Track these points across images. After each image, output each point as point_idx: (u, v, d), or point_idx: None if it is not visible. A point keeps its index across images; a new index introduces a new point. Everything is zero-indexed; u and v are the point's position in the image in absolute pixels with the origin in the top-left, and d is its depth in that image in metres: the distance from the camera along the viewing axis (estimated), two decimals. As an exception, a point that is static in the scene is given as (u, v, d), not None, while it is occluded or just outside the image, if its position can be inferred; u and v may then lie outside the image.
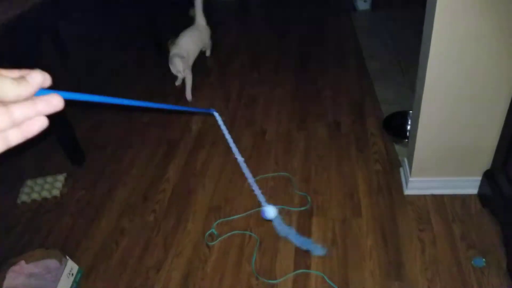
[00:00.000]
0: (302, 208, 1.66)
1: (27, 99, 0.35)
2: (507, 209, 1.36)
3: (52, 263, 1.50)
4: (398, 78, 2.37)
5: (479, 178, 1.54)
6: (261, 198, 1.26)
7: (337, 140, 2.00)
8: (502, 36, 1.24)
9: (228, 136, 1.24)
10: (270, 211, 1.30)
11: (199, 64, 2.87)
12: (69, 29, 3.75)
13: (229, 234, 1.61)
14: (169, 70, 2.88)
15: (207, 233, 1.62)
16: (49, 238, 1.71)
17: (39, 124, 0.37)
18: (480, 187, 1.55)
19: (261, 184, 1.81)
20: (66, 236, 1.71)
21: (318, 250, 1.48)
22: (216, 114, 1.25)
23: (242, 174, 1.70)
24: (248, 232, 1.60)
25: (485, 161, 1.50)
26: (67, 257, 1.49)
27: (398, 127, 1.94)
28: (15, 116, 0.34)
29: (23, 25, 1.71)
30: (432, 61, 1.32)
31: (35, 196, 1.91)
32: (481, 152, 1.50)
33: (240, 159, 1.21)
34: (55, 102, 0.37)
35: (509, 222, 1.34)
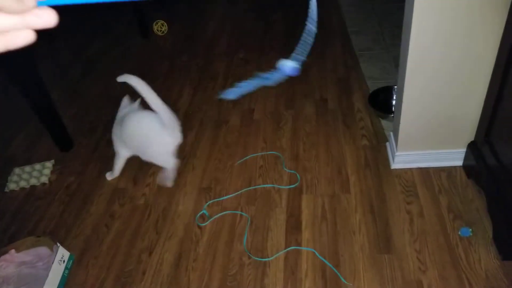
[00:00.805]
0: (292, 186, 1.63)
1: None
2: (491, 179, 1.34)
3: (43, 250, 1.45)
4: (383, 54, 2.32)
5: (464, 149, 1.52)
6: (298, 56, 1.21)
7: (324, 117, 1.96)
8: (483, 4, 1.20)
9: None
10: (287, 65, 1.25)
11: (185, 48, 2.79)
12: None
13: (220, 214, 1.57)
14: (155, 51, 2.80)
15: (198, 215, 1.59)
16: (39, 226, 1.66)
17: (24, 37, 0.33)
18: (465, 158, 1.53)
19: (250, 163, 1.78)
20: (56, 223, 1.66)
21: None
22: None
23: (231, 154, 1.66)
24: (239, 212, 1.57)
25: (469, 132, 1.48)
26: (58, 244, 1.44)
27: (383, 102, 1.90)
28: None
29: None
30: (414, 34, 1.28)
31: (23, 184, 1.85)
32: (465, 124, 1.47)
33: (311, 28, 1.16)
34: (46, 17, 0.33)
35: (494, 192, 1.33)
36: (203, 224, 1.54)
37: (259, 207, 1.57)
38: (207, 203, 1.62)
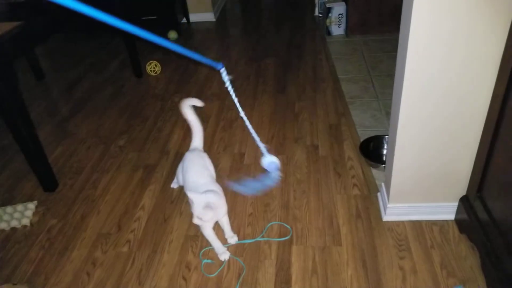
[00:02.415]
0: (283, 239, 1.56)
1: None
2: (484, 235, 1.30)
3: (17, 300, 1.35)
4: (373, 102, 2.33)
5: (456, 203, 1.49)
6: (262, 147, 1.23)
7: (316, 164, 1.92)
8: (478, 61, 1.20)
9: (232, 93, 1.21)
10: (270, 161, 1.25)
11: (177, 88, 2.78)
12: (45, 49, 3.61)
13: (204, 262, 1.49)
14: (148, 91, 2.78)
15: (202, 264, 1.50)
16: (17, 272, 1.55)
17: None
18: (457, 213, 1.49)
19: (239, 210, 1.71)
20: (35, 269, 1.55)
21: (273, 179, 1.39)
22: (222, 70, 1.19)
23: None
24: (226, 263, 1.49)
25: (461, 187, 1.45)
26: (34, 294, 1.35)
27: (374, 151, 1.88)
28: None
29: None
30: (406, 88, 1.27)
31: (3, 226, 1.76)
32: (456, 178, 1.44)
33: (242, 114, 1.22)
34: None
35: (487, 249, 1.28)
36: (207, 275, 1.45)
37: (247, 259, 1.49)
38: (203, 250, 1.54)
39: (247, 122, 1.22)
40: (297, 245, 1.52)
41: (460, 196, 1.46)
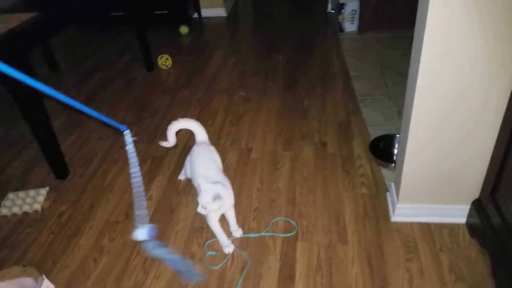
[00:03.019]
0: (288, 235, 1.52)
1: None
2: (495, 240, 1.24)
3: (28, 281, 1.35)
4: (384, 100, 2.26)
5: (468, 207, 1.43)
6: (141, 219, 1.17)
7: (323, 161, 1.88)
8: (494, 61, 1.14)
9: (133, 159, 1.16)
10: (141, 233, 1.20)
11: (187, 82, 2.75)
12: (59, 41, 3.62)
13: (209, 254, 1.46)
14: (158, 84, 2.76)
15: (206, 255, 1.47)
16: (27, 255, 1.55)
17: None
18: (469, 216, 1.43)
19: (245, 204, 1.68)
20: (44, 253, 1.55)
21: (194, 277, 1.35)
22: (126, 132, 1.15)
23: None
24: (230, 256, 1.46)
25: (474, 190, 1.39)
26: (43, 276, 1.35)
27: (384, 150, 1.82)
28: None
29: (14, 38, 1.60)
30: (420, 86, 1.21)
31: (16, 210, 1.76)
32: (469, 180, 1.38)
33: (138, 180, 1.14)
34: None
35: (499, 254, 1.23)
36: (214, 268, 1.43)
37: (252, 253, 1.46)
38: (207, 243, 1.51)
39: (139, 187, 1.14)
40: (302, 242, 1.48)
41: (473, 199, 1.40)
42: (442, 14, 1.08)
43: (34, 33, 1.76)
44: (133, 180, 1.14)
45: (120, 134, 2.18)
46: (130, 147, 1.11)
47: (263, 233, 1.54)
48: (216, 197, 1.38)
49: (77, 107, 0.88)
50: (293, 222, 1.57)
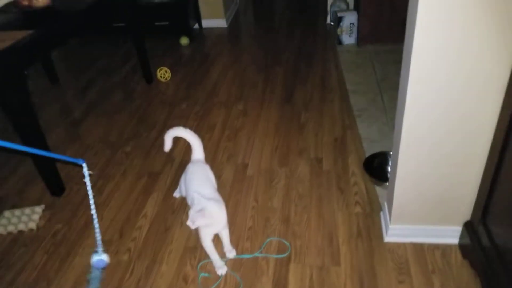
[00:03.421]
0: (281, 256, 1.52)
1: None
2: (486, 262, 1.23)
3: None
4: (381, 116, 2.26)
5: (460, 228, 1.42)
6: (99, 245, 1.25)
7: (319, 178, 1.87)
8: (483, 82, 1.14)
9: (90, 192, 1.25)
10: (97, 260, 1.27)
11: (185, 95, 2.76)
12: (59, 52, 3.64)
13: (201, 275, 1.46)
14: (156, 97, 2.77)
15: (200, 276, 1.47)
16: (20, 276, 1.55)
17: None
18: (461, 237, 1.43)
19: (239, 223, 1.68)
20: (38, 274, 1.55)
21: None
22: (84, 166, 1.23)
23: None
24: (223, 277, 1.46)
25: (466, 211, 1.38)
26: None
27: (379, 168, 1.81)
28: None
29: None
30: (409, 107, 1.21)
31: (11, 228, 1.76)
32: (461, 202, 1.38)
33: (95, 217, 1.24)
34: None
35: (489, 276, 1.22)
36: (185, 289, 1.43)
37: (245, 274, 1.46)
38: (200, 263, 1.51)
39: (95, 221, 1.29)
40: (295, 263, 1.48)
41: (465, 220, 1.40)
42: (429, 29, 1.08)
43: (30, 51, 1.77)
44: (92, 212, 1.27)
45: (118, 149, 2.21)
46: (87, 181, 1.24)
47: (256, 254, 1.53)
48: (201, 212, 1.38)
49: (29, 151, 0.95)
50: (287, 243, 1.56)
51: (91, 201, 1.24)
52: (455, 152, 1.27)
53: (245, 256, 1.53)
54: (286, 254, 1.52)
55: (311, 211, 1.69)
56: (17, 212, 1.84)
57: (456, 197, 1.37)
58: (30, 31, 1.78)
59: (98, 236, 1.28)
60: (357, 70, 2.80)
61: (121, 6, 2.60)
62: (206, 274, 1.47)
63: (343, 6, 3.43)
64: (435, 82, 1.16)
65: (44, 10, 2.06)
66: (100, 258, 1.28)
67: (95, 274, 1.30)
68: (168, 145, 1.73)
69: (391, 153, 1.79)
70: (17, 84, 1.69)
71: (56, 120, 2.60)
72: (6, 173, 2.14)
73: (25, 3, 2.06)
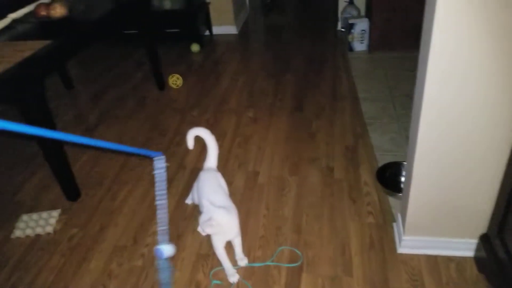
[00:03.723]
0: (293, 265, 1.52)
1: None
2: (502, 276, 1.22)
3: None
4: (392, 124, 2.25)
5: (475, 241, 1.41)
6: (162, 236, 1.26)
7: (330, 188, 1.87)
8: (502, 89, 1.12)
9: (163, 186, 1.26)
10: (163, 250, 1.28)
11: (196, 102, 2.78)
12: (74, 59, 3.70)
13: (213, 283, 1.47)
14: (168, 104, 2.80)
15: (212, 285, 1.48)
16: (38, 279, 1.58)
17: None
18: (476, 250, 1.41)
19: (251, 231, 1.68)
20: (56, 277, 1.58)
21: None
22: (162, 160, 1.24)
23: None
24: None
25: (482, 224, 1.37)
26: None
27: (392, 178, 1.81)
28: None
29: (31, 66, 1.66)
30: (425, 116, 1.20)
31: (29, 232, 1.80)
32: (477, 214, 1.36)
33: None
34: None
35: (506, 292, 1.21)
36: (198, 298, 1.44)
37: (256, 283, 1.46)
38: (212, 271, 1.52)
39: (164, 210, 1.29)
40: (307, 273, 1.48)
41: (480, 233, 1.38)
42: (446, 38, 1.07)
43: (48, 60, 1.81)
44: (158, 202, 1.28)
45: (131, 154, 2.24)
46: (161, 175, 1.25)
47: (268, 263, 1.54)
48: (209, 220, 1.40)
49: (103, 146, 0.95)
50: (299, 252, 1.57)
51: (163, 192, 1.25)
52: (472, 164, 1.27)
53: (257, 264, 1.54)
54: (298, 264, 1.52)
55: (323, 221, 1.70)
56: (35, 216, 1.88)
57: (472, 210, 1.36)
58: (48, 41, 1.81)
59: (163, 226, 1.29)
60: (369, 78, 2.79)
61: (134, 14, 2.65)
62: (218, 282, 1.48)
63: (355, 12, 3.43)
64: (452, 90, 1.15)
65: (62, 20, 2.10)
66: (162, 247, 1.27)
67: (163, 264, 1.31)
68: (190, 144, 1.74)
69: (405, 163, 1.79)
70: (36, 93, 1.73)
71: (71, 125, 2.64)
72: (24, 178, 2.18)
73: (43, 13, 2.10)
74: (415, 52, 1.26)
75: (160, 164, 1.22)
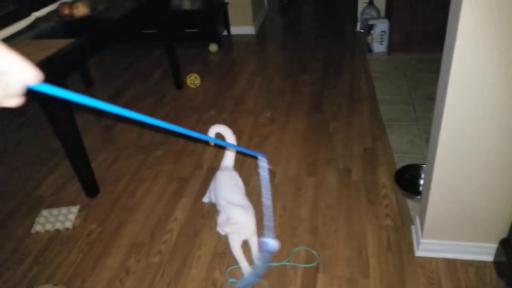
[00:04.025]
0: (309, 265, 1.53)
1: None
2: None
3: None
4: (412, 126, 2.24)
5: (495, 245, 1.39)
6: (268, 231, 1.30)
7: (347, 189, 1.88)
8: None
9: (267, 186, 1.31)
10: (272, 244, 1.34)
11: (214, 102, 2.82)
12: (94, 58, 3.79)
13: (230, 281, 1.50)
14: (186, 103, 2.85)
15: (228, 282, 1.51)
16: (57, 273, 1.63)
17: None
18: (496, 255, 1.40)
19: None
20: (74, 272, 1.63)
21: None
22: (264, 160, 1.29)
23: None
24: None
25: (502, 228, 1.36)
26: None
27: (410, 181, 1.80)
28: None
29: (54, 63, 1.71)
30: (447, 119, 1.20)
31: (48, 227, 1.86)
32: (497, 219, 1.35)
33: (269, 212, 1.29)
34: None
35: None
36: (214, 295, 1.46)
37: (272, 282, 1.48)
38: (228, 269, 1.55)
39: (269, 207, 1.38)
40: (323, 274, 1.49)
41: (501, 238, 1.37)
42: (471, 41, 1.07)
43: (71, 59, 1.87)
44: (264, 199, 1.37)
45: (150, 153, 2.29)
46: (265, 175, 1.29)
47: (284, 263, 1.56)
48: (228, 220, 1.43)
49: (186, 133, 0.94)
50: (315, 252, 1.58)
51: (268, 191, 1.34)
52: (493, 167, 1.26)
53: (273, 264, 1.55)
54: (314, 264, 1.53)
55: (340, 222, 1.70)
56: (55, 211, 1.93)
57: (492, 214, 1.34)
58: (71, 40, 1.87)
59: (270, 222, 1.38)
60: (388, 79, 2.78)
61: (154, 13, 2.70)
62: (234, 280, 1.51)
63: (374, 13, 3.42)
64: (474, 94, 1.14)
65: (84, 19, 2.16)
66: (267, 241, 1.37)
67: (264, 256, 1.42)
68: (228, 134, 1.79)
69: (424, 166, 1.78)
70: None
71: (90, 123, 2.71)
72: (45, 174, 2.25)
73: (66, 12, 2.17)
74: (436, 54, 1.26)
75: (263, 164, 1.28)
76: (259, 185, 1.96)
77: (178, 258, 1.63)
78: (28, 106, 2.81)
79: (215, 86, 3.03)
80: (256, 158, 1.26)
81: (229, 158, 1.79)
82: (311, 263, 1.54)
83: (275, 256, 1.58)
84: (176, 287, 1.51)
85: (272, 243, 1.36)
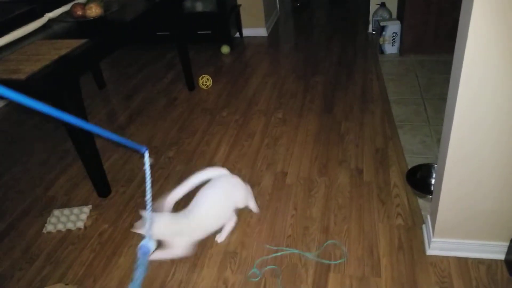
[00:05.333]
0: (338, 261, 1.57)
1: None
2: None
3: (69, 299, 1.47)
4: (423, 127, 2.27)
5: (507, 243, 1.42)
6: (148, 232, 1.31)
7: (359, 189, 1.92)
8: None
9: (148, 181, 1.31)
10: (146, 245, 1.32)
11: (226, 103, 2.88)
12: (107, 59, 3.90)
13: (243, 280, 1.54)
14: (198, 104, 2.92)
15: (250, 272, 1.56)
16: (69, 272, 1.69)
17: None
18: (508, 253, 1.42)
19: (278, 230, 1.75)
20: (86, 271, 1.68)
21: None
22: (146, 154, 1.29)
23: (260, 219, 1.69)
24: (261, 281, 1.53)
25: (514, 227, 1.39)
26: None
27: (422, 180, 1.83)
28: None
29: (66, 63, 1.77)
30: (458, 118, 1.23)
31: (60, 226, 1.91)
32: (508, 217, 1.38)
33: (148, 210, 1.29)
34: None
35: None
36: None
37: (284, 282, 1.52)
38: (258, 260, 1.60)
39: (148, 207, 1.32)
40: (335, 273, 1.53)
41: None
42: (482, 42, 1.10)
43: (84, 59, 1.91)
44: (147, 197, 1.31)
45: (162, 153, 2.35)
46: (147, 170, 1.26)
47: (295, 250, 1.60)
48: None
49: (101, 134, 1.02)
50: (344, 248, 1.61)
51: (148, 186, 1.30)
52: (504, 166, 1.29)
53: (287, 250, 1.60)
54: (343, 260, 1.57)
55: (351, 222, 1.74)
56: (66, 211, 1.99)
57: (504, 212, 1.37)
58: (84, 40, 1.92)
59: (148, 223, 1.38)
60: (400, 80, 2.81)
61: (167, 15, 2.78)
62: (257, 271, 1.55)
63: (386, 15, 3.46)
64: (486, 95, 1.18)
65: (97, 20, 2.22)
66: (144, 243, 1.33)
67: (142, 260, 1.35)
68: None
69: (436, 165, 1.81)
70: (72, 91, 1.85)
71: (103, 123, 2.80)
72: (57, 174, 2.33)
73: (80, 13, 2.23)
74: (447, 56, 1.29)
75: (147, 161, 1.25)
76: (271, 186, 2.01)
77: (189, 257, 1.68)
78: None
79: (227, 87, 3.10)
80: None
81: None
82: (338, 260, 1.57)
83: (286, 256, 1.62)
84: (188, 286, 1.56)
85: (148, 245, 1.32)
